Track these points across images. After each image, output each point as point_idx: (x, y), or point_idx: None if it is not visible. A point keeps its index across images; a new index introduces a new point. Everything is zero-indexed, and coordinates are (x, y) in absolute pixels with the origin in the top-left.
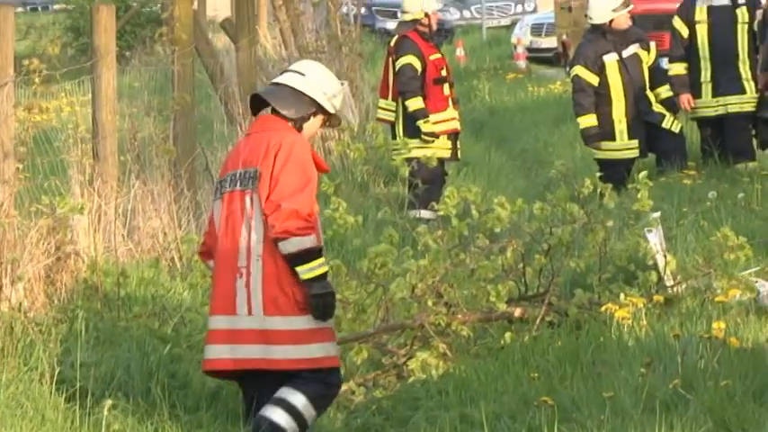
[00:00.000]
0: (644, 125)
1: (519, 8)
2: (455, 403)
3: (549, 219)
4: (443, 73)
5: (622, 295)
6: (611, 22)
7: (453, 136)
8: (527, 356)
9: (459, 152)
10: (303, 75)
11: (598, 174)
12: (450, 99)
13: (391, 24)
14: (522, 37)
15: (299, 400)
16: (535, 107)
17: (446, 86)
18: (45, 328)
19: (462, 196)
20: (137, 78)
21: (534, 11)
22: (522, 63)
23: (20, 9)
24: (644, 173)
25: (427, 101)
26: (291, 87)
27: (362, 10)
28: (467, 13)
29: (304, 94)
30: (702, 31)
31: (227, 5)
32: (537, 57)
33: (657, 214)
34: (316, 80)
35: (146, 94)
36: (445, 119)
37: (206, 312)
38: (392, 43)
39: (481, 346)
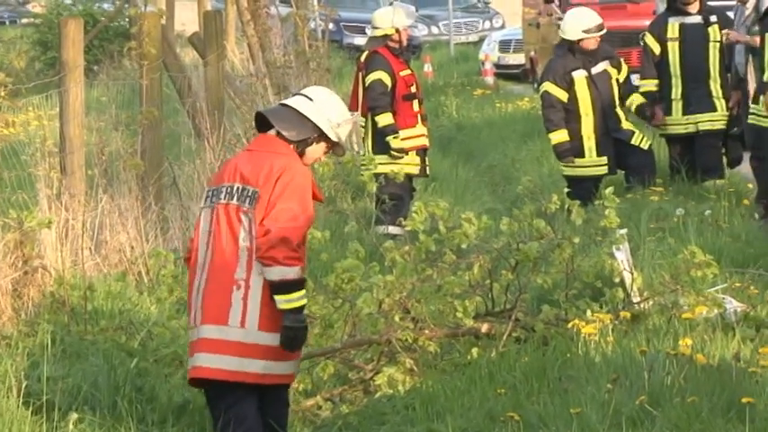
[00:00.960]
0: (613, 142)
1: (487, 24)
2: (422, 418)
3: (517, 235)
4: (413, 89)
5: (589, 312)
6: (579, 41)
7: (422, 152)
8: (494, 372)
9: (427, 168)
10: (311, 99)
11: (566, 190)
12: (419, 115)
13: (359, 40)
14: (489, 53)
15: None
16: (503, 123)
17: (415, 103)
18: (12, 341)
19: (430, 211)
20: (104, 93)
21: (502, 27)
22: (489, 79)
23: None
24: (610, 189)
25: (397, 117)
26: (296, 110)
27: (330, 25)
28: (434, 29)
29: (308, 118)
30: (674, 49)
31: (194, 20)
32: (505, 73)
33: (624, 231)
34: (322, 106)
35: (113, 109)
36: (414, 135)
37: (179, 324)
38: (362, 59)
39: (448, 361)
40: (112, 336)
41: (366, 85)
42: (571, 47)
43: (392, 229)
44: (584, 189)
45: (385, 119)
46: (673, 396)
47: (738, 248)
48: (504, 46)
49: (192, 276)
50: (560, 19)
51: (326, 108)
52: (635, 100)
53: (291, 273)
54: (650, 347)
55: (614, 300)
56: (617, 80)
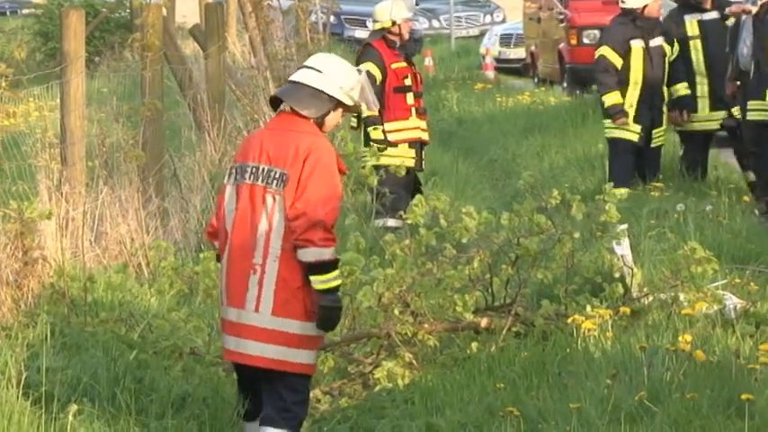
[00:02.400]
0: (650, 118)
1: (488, 19)
2: (421, 412)
3: (517, 229)
4: (406, 82)
5: (589, 307)
6: (644, 8)
7: (418, 145)
8: (493, 366)
9: (423, 162)
10: (320, 72)
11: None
12: (413, 108)
13: (360, 33)
14: (490, 47)
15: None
16: (503, 118)
17: (409, 96)
18: (12, 332)
19: (431, 205)
20: (105, 84)
21: (503, 21)
22: (490, 73)
23: None
24: (611, 184)
25: (387, 109)
26: (309, 86)
27: (331, 18)
28: (435, 23)
29: (322, 91)
30: (696, 47)
31: (195, 12)
32: (505, 67)
33: (625, 226)
34: (333, 76)
35: (114, 100)
36: (406, 127)
37: (179, 316)
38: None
39: (447, 355)
40: (112, 327)
41: None
42: (634, 15)
43: (390, 222)
44: (622, 152)
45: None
46: (672, 392)
47: (738, 245)
48: (505, 40)
49: (221, 253)
50: (561, 13)
51: (337, 76)
52: (680, 89)
53: (327, 253)
54: (650, 343)
55: (614, 295)
56: (669, 58)
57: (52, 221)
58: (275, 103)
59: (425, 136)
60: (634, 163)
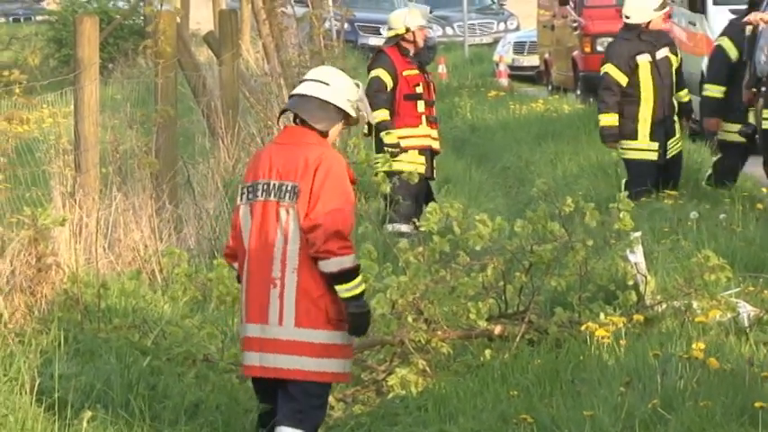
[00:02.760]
0: (665, 132)
1: (501, 26)
2: (434, 420)
3: (530, 237)
4: (418, 90)
5: (602, 314)
6: (648, 22)
7: (428, 153)
8: (506, 374)
9: (434, 171)
10: (328, 84)
11: (623, 180)
12: (423, 116)
13: (374, 40)
14: (504, 55)
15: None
16: (517, 125)
17: (420, 103)
18: (25, 338)
19: (444, 212)
20: (119, 90)
21: (517, 29)
22: (504, 81)
23: (2, 20)
24: (625, 192)
25: (397, 116)
26: (318, 98)
27: (345, 26)
28: (449, 30)
29: (331, 104)
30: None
31: (210, 19)
32: (519, 75)
33: (638, 234)
34: (340, 89)
35: (128, 107)
36: (416, 135)
37: (192, 323)
38: None
39: (461, 363)
40: (126, 334)
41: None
42: (639, 30)
43: (403, 228)
44: (639, 176)
45: (378, 115)
46: (686, 400)
47: (752, 252)
48: (519, 48)
49: (241, 272)
50: (575, 21)
51: (343, 89)
52: (684, 96)
53: (348, 262)
54: (663, 351)
55: (627, 303)
56: (675, 67)
57: (66, 228)
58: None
59: (436, 145)
60: (652, 181)
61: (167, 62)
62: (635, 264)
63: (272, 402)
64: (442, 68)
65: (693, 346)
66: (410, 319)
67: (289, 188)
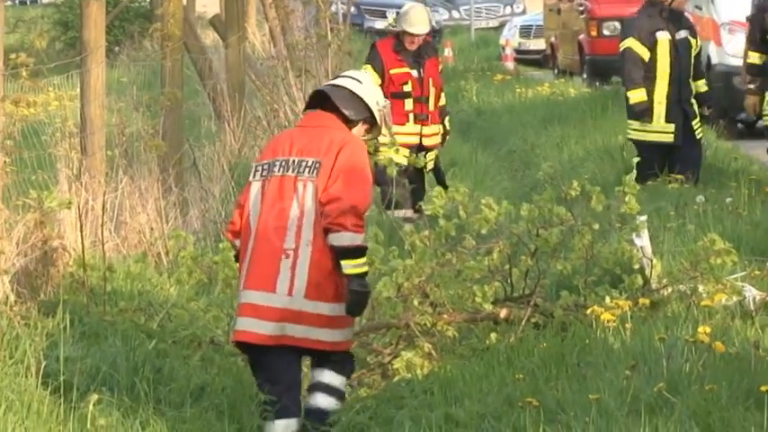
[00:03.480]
0: (682, 113)
1: (508, 10)
2: (440, 403)
3: (536, 220)
4: (405, 88)
5: (608, 298)
6: (671, 1)
7: (416, 149)
8: (512, 357)
9: (426, 164)
10: (360, 82)
11: (635, 159)
12: (411, 114)
13: (380, 24)
14: (510, 38)
15: (339, 380)
16: (522, 109)
17: (408, 101)
18: (31, 321)
19: (450, 196)
20: (125, 73)
21: (523, 13)
22: (510, 64)
23: (8, 2)
24: (631, 175)
25: None
26: (351, 90)
27: (352, 9)
28: (455, 14)
29: (361, 99)
30: None
31: (215, 2)
32: (525, 58)
33: (644, 218)
34: (370, 89)
35: (134, 90)
36: (403, 132)
37: (198, 306)
38: None
39: (466, 346)
40: (131, 317)
41: None
42: (662, 7)
43: (408, 213)
44: (651, 158)
45: None
46: (691, 383)
47: (758, 236)
48: (525, 31)
49: (243, 249)
50: (581, 5)
51: (373, 91)
52: (700, 86)
53: (359, 239)
54: (669, 335)
55: (633, 286)
56: (694, 51)
57: (72, 211)
58: (310, 100)
59: (429, 141)
60: (662, 163)
61: (174, 45)
62: (641, 247)
63: (261, 369)
64: (448, 52)
65: (699, 329)
66: (416, 303)
67: (309, 163)
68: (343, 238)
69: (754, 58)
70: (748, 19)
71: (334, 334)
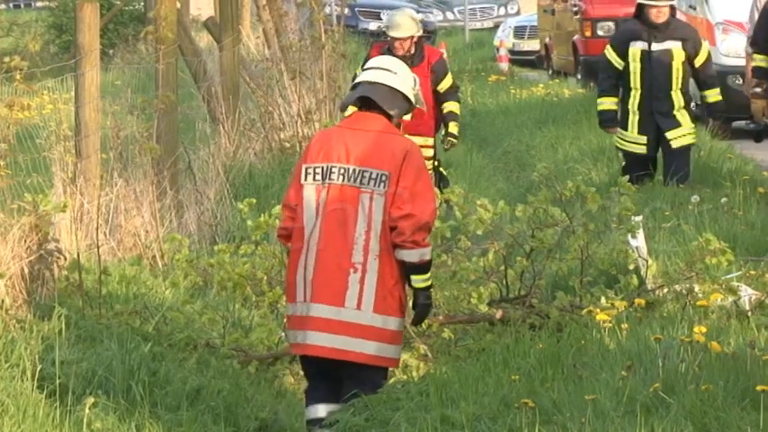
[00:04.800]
0: (654, 125)
1: (502, 11)
2: (436, 404)
3: (531, 221)
4: None
5: (604, 298)
6: (643, 9)
7: None
8: (508, 358)
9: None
10: (395, 73)
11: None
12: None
13: (374, 25)
14: (504, 39)
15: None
16: (517, 110)
17: None
18: (26, 325)
19: (445, 197)
20: (119, 76)
21: (517, 13)
22: (504, 65)
23: (2, 6)
24: (626, 177)
25: None
26: (389, 86)
27: (346, 11)
28: (450, 15)
29: (399, 91)
30: None
31: (210, 5)
32: (519, 59)
33: (640, 218)
34: (404, 77)
35: (129, 92)
36: None
37: (193, 308)
38: None
39: (462, 347)
40: (127, 320)
41: None
42: (641, 13)
43: None
44: (631, 165)
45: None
46: (687, 383)
47: (754, 236)
48: (519, 32)
49: (295, 254)
50: (575, 5)
51: (407, 77)
52: (710, 96)
53: (428, 253)
54: (665, 335)
55: (629, 287)
56: (685, 64)
57: (67, 214)
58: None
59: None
60: (644, 171)
61: (168, 48)
62: (636, 248)
63: (321, 382)
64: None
65: (695, 329)
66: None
67: (374, 175)
68: (415, 255)
69: (760, 60)
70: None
71: (397, 350)
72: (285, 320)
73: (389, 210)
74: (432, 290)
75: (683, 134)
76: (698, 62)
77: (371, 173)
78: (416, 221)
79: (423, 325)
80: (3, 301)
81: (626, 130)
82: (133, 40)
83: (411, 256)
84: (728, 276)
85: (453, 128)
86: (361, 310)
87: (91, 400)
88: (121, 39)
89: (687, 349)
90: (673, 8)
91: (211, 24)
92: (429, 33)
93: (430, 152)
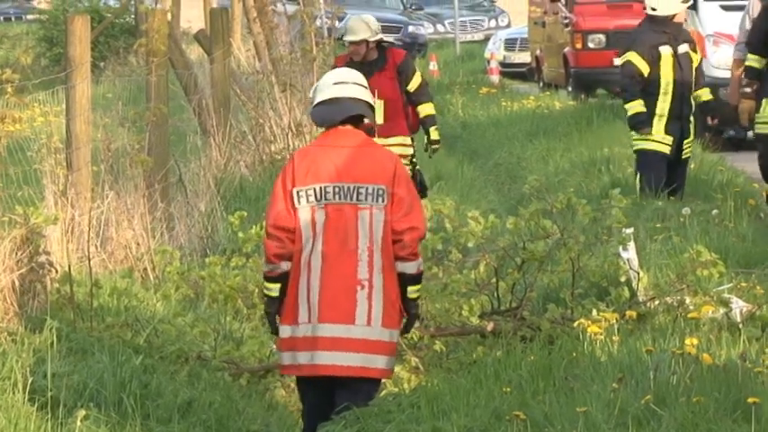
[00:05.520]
0: (680, 129)
1: (492, 23)
2: (427, 417)
3: (523, 233)
4: None
5: (595, 311)
6: (673, 15)
7: None
8: (499, 371)
9: None
10: (364, 86)
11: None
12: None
13: None
14: (495, 52)
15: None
16: (508, 122)
17: None
18: (18, 338)
19: (436, 209)
20: (110, 89)
21: (508, 26)
22: (495, 78)
23: None
24: (617, 189)
25: None
26: (362, 99)
27: (336, 23)
28: (440, 28)
29: (368, 103)
30: None
31: (200, 17)
32: (510, 72)
33: (631, 230)
34: (360, 83)
35: (119, 105)
36: None
37: (185, 321)
38: None
39: (453, 360)
40: (118, 332)
41: None
42: (663, 22)
43: None
44: (649, 167)
45: None
46: (679, 395)
47: (744, 248)
48: (510, 44)
49: (296, 275)
50: (566, 18)
51: (364, 84)
52: (703, 95)
53: (422, 263)
54: (656, 347)
55: (620, 299)
56: (695, 64)
57: (58, 227)
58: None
59: None
60: (665, 174)
61: (159, 60)
62: (627, 260)
63: (320, 400)
64: (433, 65)
65: (686, 341)
66: None
67: (371, 191)
68: (414, 266)
69: (753, 60)
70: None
71: (390, 361)
72: (277, 341)
73: (392, 224)
74: (419, 300)
75: (690, 145)
76: (696, 63)
77: (367, 188)
78: (419, 234)
79: (414, 337)
80: None
81: (650, 131)
82: (124, 52)
83: (411, 267)
84: (720, 288)
85: (434, 133)
86: (371, 326)
87: (82, 412)
88: (112, 51)
89: (678, 361)
90: None
91: (202, 37)
92: (420, 46)
93: (409, 150)
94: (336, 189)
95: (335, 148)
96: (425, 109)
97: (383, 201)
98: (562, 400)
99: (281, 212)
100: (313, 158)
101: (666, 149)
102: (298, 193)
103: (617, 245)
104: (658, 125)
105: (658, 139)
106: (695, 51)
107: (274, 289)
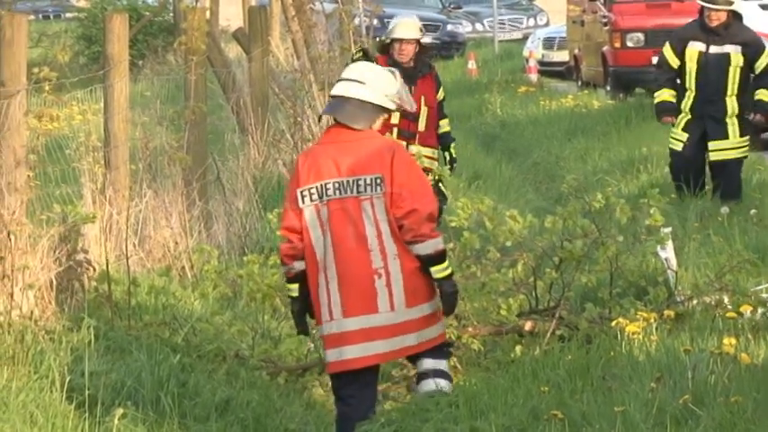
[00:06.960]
0: (700, 128)
1: (531, 22)
2: (465, 416)
3: (561, 233)
4: None
5: (633, 310)
6: (705, 13)
7: None
8: (537, 370)
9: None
10: (363, 83)
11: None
12: (395, 128)
13: None
14: (533, 50)
15: (445, 364)
16: (546, 121)
17: (395, 115)
18: (56, 336)
19: (475, 208)
20: (148, 87)
21: (546, 24)
22: (533, 76)
23: (32, 17)
24: (655, 189)
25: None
26: (355, 99)
27: (375, 22)
28: (479, 26)
29: (369, 102)
30: None
31: (239, 16)
32: (548, 70)
33: (669, 230)
34: (376, 86)
35: (158, 103)
36: None
37: (222, 320)
38: None
39: (491, 359)
40: (156, 331)
41: None
42: (701, 19)
43: None
44: (672, 161)
45: None
46: (717, 395)
47: None
48: (549, 43)
49: (313, 276)
50: (604, 16)
51: (379, 85)
52: (762, 94)
53: (441, 243)
54: (694, 346)
55: (658, 298)
56: (744, 69)
57: (96, 225)
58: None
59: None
60: (682, 171)
61: (198, 59)
62: (665, 259)
63: (355, 392)
64: (471, 64)
65: (724, 341)
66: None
67: (369, 181)
68: (428, 247)
69: None
70: None
71: (439, 328)
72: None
73: (392, 211)
74: (454, 277)
75: (724, 148)
76: (758, 67)
77: (365, 179)
78: (420, 215)
79: (452, 336)
80: (32, 312)
81: (676, 127)
82: (162, 51)
83: (425, 248)
84: (758, 288)
85: (454, 151)
86: (394, 311)
87: (120, 411)
88: (150, 50)
89: (717, 361)
90: (733, 13)
91: (240, 35)
92: (458, 45)
93: (435, 164)
94: (336, 184)
95: (335, 144)
96: (446, 125)
97: (381, 189)
98: (600, 400)
99: (289, 214)
100: (314, 157)
101: (678, 146)
102: (301, 192)
103: (655, 244)
104: (680, 121)
105: (674, 135)
106: (750, 54)
107: (294, 289)
